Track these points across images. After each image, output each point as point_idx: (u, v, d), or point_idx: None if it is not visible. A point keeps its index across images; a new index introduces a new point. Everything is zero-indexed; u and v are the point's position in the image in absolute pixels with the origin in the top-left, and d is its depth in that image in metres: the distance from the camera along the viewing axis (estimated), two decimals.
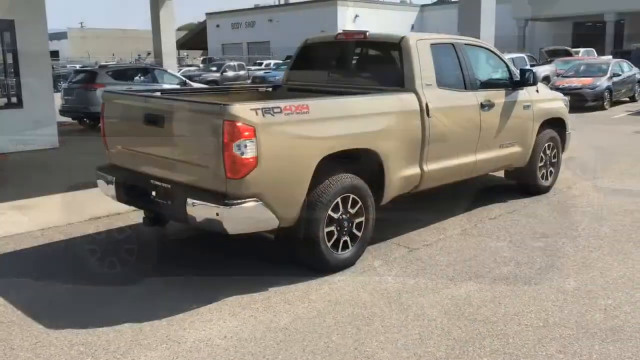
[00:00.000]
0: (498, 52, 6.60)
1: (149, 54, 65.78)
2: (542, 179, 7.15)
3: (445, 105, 5.55)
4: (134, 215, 6.37)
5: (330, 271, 4.74)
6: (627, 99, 19.69)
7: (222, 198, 4.15)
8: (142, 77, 15.57)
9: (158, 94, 5.77)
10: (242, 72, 29.84)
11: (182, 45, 54.47)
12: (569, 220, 6.15)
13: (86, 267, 5.04)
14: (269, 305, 4.19)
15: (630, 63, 20.04)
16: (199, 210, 4.23)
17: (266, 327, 3.86)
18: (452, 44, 5.97)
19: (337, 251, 4.75)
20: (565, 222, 6.09)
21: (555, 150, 7.26)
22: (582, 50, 28.96)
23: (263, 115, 4.16)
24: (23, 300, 4.31)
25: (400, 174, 5.20)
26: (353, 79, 6.01)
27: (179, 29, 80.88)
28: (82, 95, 14.39)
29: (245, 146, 4.05)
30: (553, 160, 7.27)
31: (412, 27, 56.27)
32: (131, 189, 4.97)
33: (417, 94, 5.31)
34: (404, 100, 5.25)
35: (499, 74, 6.53)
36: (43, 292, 4.51)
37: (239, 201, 4.12)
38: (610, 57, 24.72)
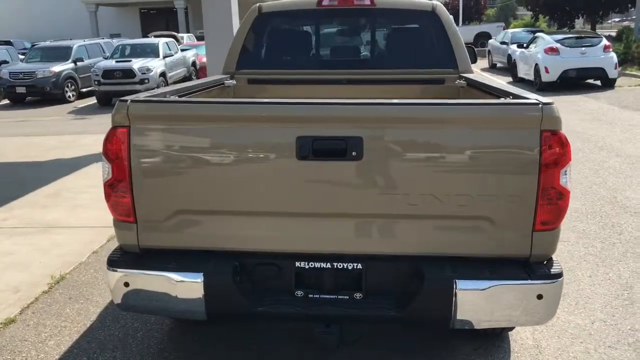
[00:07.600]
0: None
1: None
2: None
3: None
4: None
5: None
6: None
7: (525, 268, 2.38)
8: None
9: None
10: None
11: None
12: None
13: None
14: None
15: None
16: (493, 300, 2.28)
17: None
18: None
19: None
20: None
21: None
22: (185, 35, 28.98)
23: None
24: None
25: None
26: (367, 62, 4.29)
27: None
28: None
29: (569, 172, 2.37)
30: None
31: None
32: (257, 288, 2.46)
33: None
34: None
35: None
36: None
37: (557, 268, 2.40)
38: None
